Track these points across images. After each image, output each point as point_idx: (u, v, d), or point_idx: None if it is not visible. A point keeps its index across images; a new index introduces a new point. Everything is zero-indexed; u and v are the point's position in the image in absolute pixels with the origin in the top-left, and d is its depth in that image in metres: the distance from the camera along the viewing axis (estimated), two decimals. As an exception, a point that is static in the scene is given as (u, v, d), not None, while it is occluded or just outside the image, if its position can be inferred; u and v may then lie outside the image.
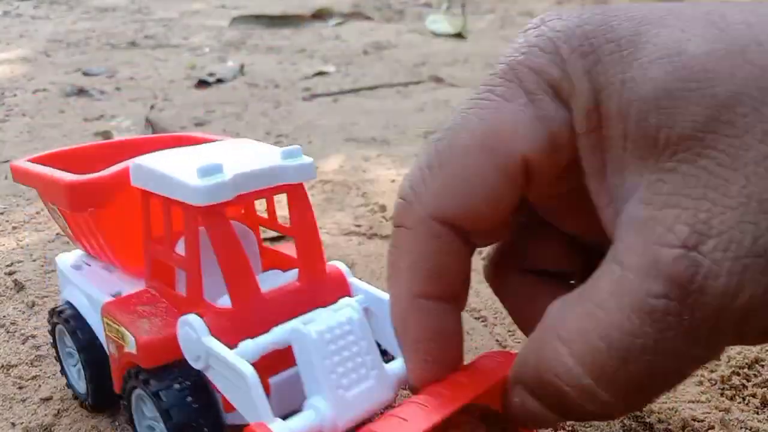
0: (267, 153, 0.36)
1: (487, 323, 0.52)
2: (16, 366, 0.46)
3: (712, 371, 0.46)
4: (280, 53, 1.63)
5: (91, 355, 0.39)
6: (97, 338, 0.39)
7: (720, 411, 0.42)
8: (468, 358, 0.47)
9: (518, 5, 2.55)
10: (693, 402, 0.43)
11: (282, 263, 0.41)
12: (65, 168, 0.39)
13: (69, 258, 0.44)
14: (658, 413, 0.42)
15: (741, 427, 0.41)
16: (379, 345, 0.33)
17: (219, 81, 1.31)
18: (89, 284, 0.40)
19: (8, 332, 0.49)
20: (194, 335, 0.32)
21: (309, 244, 0.37)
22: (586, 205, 0.26)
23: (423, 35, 1.93)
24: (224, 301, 0.34)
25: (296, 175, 0.36)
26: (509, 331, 0.51)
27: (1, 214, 0.70)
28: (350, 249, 0.63)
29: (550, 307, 0.25)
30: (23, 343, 0.48)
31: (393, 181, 0.81)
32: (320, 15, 2.18)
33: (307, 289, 0.35)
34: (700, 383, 0.45)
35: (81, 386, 0.41)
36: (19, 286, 0.55)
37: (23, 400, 0.42)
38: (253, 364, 0.30)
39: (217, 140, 0.43)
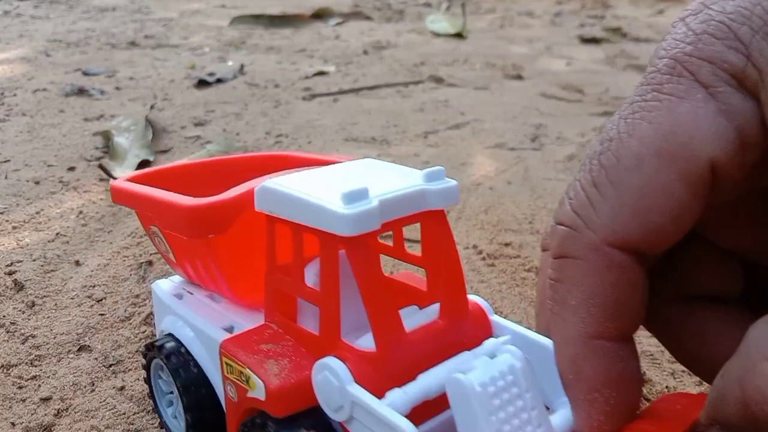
0: (408, 175, 0.32)
1: (487, 323, 0.52)
2: (16, 366, 0.46)
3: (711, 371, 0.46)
4: (280, 53, 1.63)
5: (197, 396, 0.35)
6: (204, 377, 0.35)
7: (720, 411, 0.42)
8: (468, 358, 0.47)
9: (518, 5, 2.55)
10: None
11: (410, 297, 0.36)
12: (167, 188, 0.36)
13: (167, 285, 0.40)
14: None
15: (741, 428, 0.41)
16: None
17: (219, 81, 1.31)
18: (196, 316, 0.36)
19: (8, 332, 0.49)
20: (336, 383, 0.27)
21: (451, 276, 0.32)
22: (757, 212, 0.23)
23: (423, 35, 1.92)
24: (361, 342, 0.29)
25: (442, 200, 0.31)
26: (509, 331, 0.51)
27: (1, 213, 0.70)
28: (350, 249, 0.63)
29: (751, 329, 0.21)
30: (23, 343, 0.48)
31: (393, 181, 0.81)
32: (320, 15, 2.18)
33: (450, 329, 0.31)
34: (701, 383, 0.45)
35: (177, 427, 0.37)
36: (19, 286, 0.55)
37: (23, 400, 0.42)
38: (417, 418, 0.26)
39: (320, 159, 0.40)
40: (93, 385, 0.44)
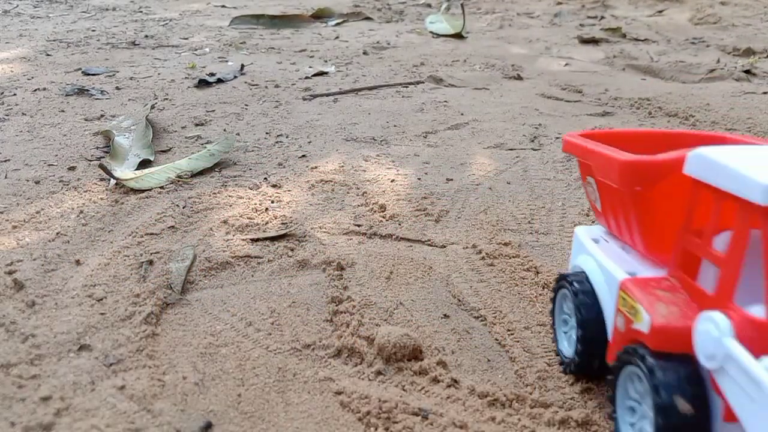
0: None
1: (486, 322, 0.52)
2: (16, 365, 0.46)
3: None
4: (280, 53, 1.63)
5: (591, 326, 0.41)
6: (600, 316, 0.40)
7: (719, 410, 0.42)
8: (466, 356, 0.48)
9: (518, 5, 2.55)
10: (692, 402, 0.43)
11: None
12: (614, 146, 0.41)
13: (589, 231, 0.46)
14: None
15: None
16: None
17: (219, 81, 1.31)
18: (606, 258, 0.41)
19: (8, 331, 0.49)
20: (716, 333, 0.31)
21: None
22: None
23: (423, 35, 1.93)
24: (754, 310, 0.31)
25: None
26: (508, 330, 0.51)
27: (1, 213, 0.70)
28: (350, 248, 0.64)
29: None
30: (23, 342, 0.48)
31: (392, 180, 0.81)
32: (320, 15, 2.18)
33: None
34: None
35: (568, 351, 0.44)
36: (19, 285, 0.55)
37: (23, 399, 0.42)
38: None
39: (757, 141, 0.43)
40: (93, 384, 0.44)
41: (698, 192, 0.35)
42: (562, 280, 0.45)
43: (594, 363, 0.42)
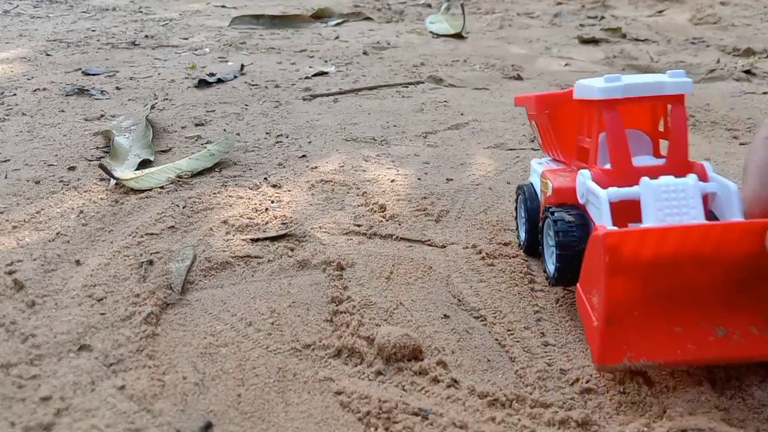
0: (658, 77, 0.50)
1: (486, 322, 0.52)
2: (16, 365, 0.46)
3: (710, 371, 0.46)
4: (280, 53, 1.63)
5: (533, 213, 0.59)
6: (537, 200, 0.59)
7: (720, 410, 0.42)
8: (466, 356, 0.48)
9: (518, 5, 2.55)
10: (693, 402, 0.43)
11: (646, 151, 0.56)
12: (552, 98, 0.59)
13: (537, 160, 0.63)
14: (660, 413, 0.42)
15: (740, 427, 0.41)
16: (714, 215, 0.47)
17: (219, 81, 1.31)
18: (540, 166, 0.60)
19: (8, 331, 0.49)
20: (582, 180, 0.49)
21: (678, 141, 0.49)
22: None
23: (422, 35, 1.93)
24: (604, 165, 0.50)
25: (676, 88, 0.49)
26: (508, 330, 0.51)
27: (1, 213, 0.70)
28: (350, 248, 0.64)
29: None
30: (23, 342, 0.48)
31: (393, 180, 0.81)
32: (320, 15, 2.18)
33: (669, 169, 0.48)
34: (700, 383, 0.45)
35: (522, 235, 0.62)
36: (19, 286, 0.55)
37: (23, 400, 0.42)
38: (616, 211, 0.45)
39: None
40: (93, 384, 0.44)
41: (582, 108, 0.53)
42: (519, 189, 0.63)
43: (536, 231, 0.59)
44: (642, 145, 0.53)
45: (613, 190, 0.46)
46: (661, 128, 0.54)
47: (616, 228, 0.42)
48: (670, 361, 0.41)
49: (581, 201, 0.50)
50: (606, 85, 0.48)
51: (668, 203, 0.44)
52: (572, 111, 0.55)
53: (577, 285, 0.45)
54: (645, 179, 0.45)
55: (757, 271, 0.42)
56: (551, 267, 0.53)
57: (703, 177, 0.47)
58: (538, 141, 0.64)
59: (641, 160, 0.50)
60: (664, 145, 0.52)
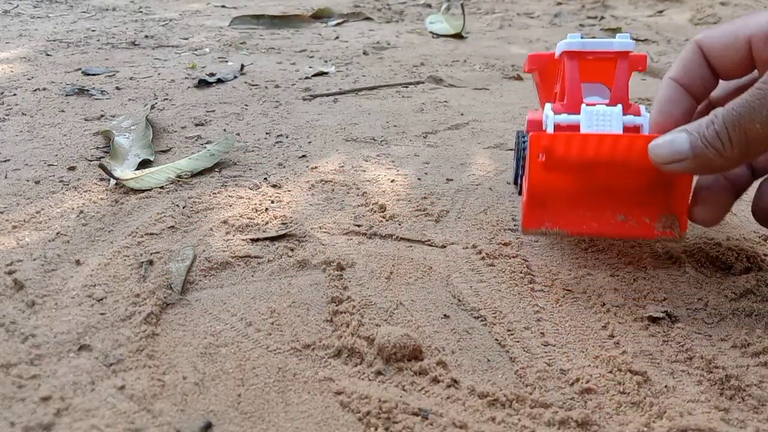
0: (608, 39, 0.62)
1: (486, 322, 0.52)
2: (16, 365, 0.46)
3: (710, 371, 0.46)
4: (280, 53, 1.63)
5: (519, 153, 0.73)
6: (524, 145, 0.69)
7: (720, 410, 0.42)
8: (466, 356, 0.48)
9: (518, 5, 2.55)
10: (693, 401, 0.43)
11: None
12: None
13: (533, 110, 0.72)
14: (661, 414, 0.42)
15: (740, 427, 0.41)
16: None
17: (219, 81, 1.31)
18: (531, 113, 0.68)
19: (8, 331, 0.49)
20: (546, 111, 0.60)
21: (619, 87, 0.60)
22: None
23: (422, 36, 1.93)
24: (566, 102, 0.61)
25: (621, 47, 0.61)
26: (508, 330, 0.51)
27: (1, 213, 0.70)
28: (350, 248, 0.64)
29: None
30: (23, 342, 0.48)
31: (392, 181, 0.81)
32: (320, 15, 2.18)
33: (610, 105, 0.59)
34: (700, 383, 0.45)
35: (513, 173, 0.78)
36: (19, 285, 0.55)
37: (22, 399, 0.42)
38: (558, 130, 0.58)
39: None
40: (93, 384, 0.44)
41: (562, 64, 0.64)
42: (518, 134, 0.74)
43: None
44: (603, 95, 0.64)
45: (561, 115, 0.59)
46: None
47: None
48: (575, 232, 0.57)
49: (545, 128, 0.60)
50: (568, 40, 0.62)
51: (597, 124, 0.57)
52: (555, 67, 0.68)
53: (523, 177, 0.61)
54: (584, 106, 0.58)
55: (658, 177, 0.55)
56: (519, 179, 0.71)
57: (636, 114, 0.58)
58: (539, 97, 0.77)
59: (592, 100, 0.61)
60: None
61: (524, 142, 0.69)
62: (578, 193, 0.57)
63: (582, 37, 0.62)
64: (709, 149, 0.47)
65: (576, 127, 0.57)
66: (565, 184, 0.57)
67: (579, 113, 0.58)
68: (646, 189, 0.56)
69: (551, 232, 0.56)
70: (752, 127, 0.45)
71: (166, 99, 1.18)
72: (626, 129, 0.56)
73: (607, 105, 0.58)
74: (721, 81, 0.54)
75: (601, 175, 0.56)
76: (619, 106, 0.57)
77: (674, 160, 0.49)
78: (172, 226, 0.67)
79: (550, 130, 0.58)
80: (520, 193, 0.74)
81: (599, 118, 0.57)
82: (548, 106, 0.61)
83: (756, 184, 0.55)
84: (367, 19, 2.21)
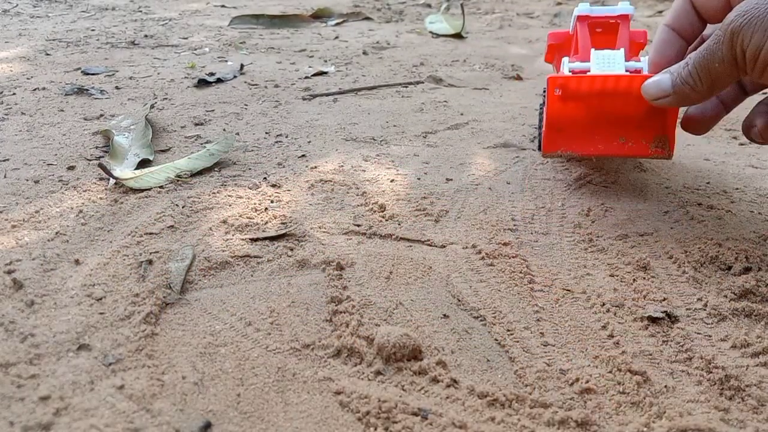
0: (613, 6, 0.75)
1: (485, 322, 0.52)
2: (15, 365, 0.46)
3: (710, 372, 0.46)
4: (279, 53, 1.63)
5: (541, 116, 0.81)
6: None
7: (719, 411, 0.42)
8: (466, 356, 0.48)
9: (518, 5, 2.55)
10: (692, 402, 0.43)
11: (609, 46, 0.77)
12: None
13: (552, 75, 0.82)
14: (661, 413, 0.42)
15: (740, 427, 0.41)
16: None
17: (219, 81, 1.31)
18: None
19: (7, 330, 0.49)
20: (563, 65, 0.72)
21: (622, 39, 0.73)
22: None
23: (422, 35, 1.92)
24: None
25: (621, 11, 0.74)
26: (508, 330, 0.51)
27: (0, 212, 0.70)
28: (349, 248, 0.64)
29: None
30: (22, 342, 0.48)
31: (392, 180, 0.81)
32: (320, 15, 2.18)
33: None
34: (699, 383, 0.45)
35: (539, 132, 0.84)
36: (18, 285, 0.55)
37: (21, 399, 0.42)
38: (572, 73, 0.70)
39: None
40: (92, 383, 0.44)
41: (576, 32, 0.76)
42: (541, 105, 0.83)
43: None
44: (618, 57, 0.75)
45: (575, 62, 0.71)
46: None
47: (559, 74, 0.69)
48: (585, 153, 0.71)
49: (561, 73, 0.71)
50: (579, 7, 0.75)
51: (604, 66, 0.68)
52: (569, 43, 0.81)
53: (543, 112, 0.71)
54: (593, 50, 0.69)
55: (652, 105, 0.64)
56: (539, 130, 0.78)
57: (636, 59, 0.70)
58: (555, 67, 0.88)
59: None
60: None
61: (544, 97, 0.78)
62: (587, 121, 0.70)
63: (590, 5, 0.75)
64: (685, 86, 0.58)
65: (587, 71, 0.69)
66: (577, 115, 0.70)
67: (589, 61, 0.70)
68: (644, 115, 0.69)
69: (566, 155, 0.71)
70: (713, 66, 0.55)
71: (166, 98, 1.18)
72: (628, 71, 0.67)
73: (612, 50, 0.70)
74: (708, 24, 0.65)
75: (606, 106, 0.69)
76: (622, 49, 0.69)
77: (660, 96, 0.61)
78: (172, 226, 0.67)
79: (566, 73, 0.70)
80: (539, 149, 0.83)
81: (605, 59, 0.69)
82: (565, 59, 0.73)
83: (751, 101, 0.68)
84: (367, 18, 2.21)
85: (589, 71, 0.69)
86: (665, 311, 0.53)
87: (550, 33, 0.84)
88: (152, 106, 1.08)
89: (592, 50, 0.70)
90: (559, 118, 0.70)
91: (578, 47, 0.73)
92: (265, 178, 0.81)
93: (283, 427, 0.41)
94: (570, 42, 0.81)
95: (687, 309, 0.54)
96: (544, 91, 0.79)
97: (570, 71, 0.70)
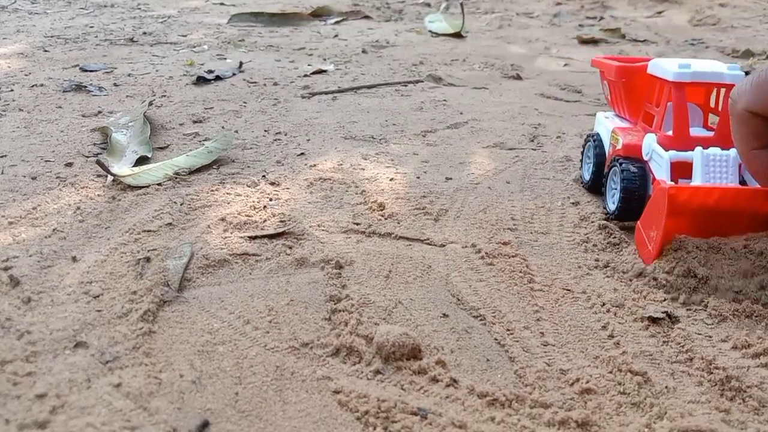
0: (719, 66, 0.65)
1: (485, 322, 0.52)
2: (11, 362, 0.45)
3: (711, 372, 0.46)
4: (279, 51, 1.63)
5: (599, 158, 0.75)
6: (603, 148, 0.75)
7: (720, 412, 0.42)
8: (465, 356, 0.47)
9: (517, 5, 2.55)
10: (693, 402, 0.43)
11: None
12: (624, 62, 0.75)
13: (603, 113, 0.80)
14: (661, 414, 0.42)
15: (741, 428, 0.40)
16: (744, 180, 0.62)
17: (218, 78, 1.31)
18: (608, 122, 0.76)
19: (3, 328, 0.49)
20: (649, 142, 0.65)
21: (725, 119, 0.63)
22: None
23: (422, 34, 1.92)
24: (667, 132, 0.65)
25: (732, 79, 0.64)
26: (507, 330, 0.51)
27: (-3, 209, 0.69)
28: (348, 247, 0.63)
29: None
30: (18, 339, 0.48)
31: (391, 179, 0.80)
32: (319, 13, 2.17)
33: (716, 140, 0.64)
34: (700, 384, 0.45)
35: (587, 173, 0.78)
36: (15, 282, 0.55)
37: (18, 397, 0.42)
38: (672, 169, 0.62)
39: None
40: (89, 381, 0.44)
41: (654, 82, 0.69)
42: (588, 137, 0.79)
43: (600, 174, 0.74)
44: (694, 116, 0.69)
45: (673, 152, 0.62)
46: (711, 104, 0.71)
47: (673, 183, 0.60)
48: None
49: (645, 157, 0.65)
50: (679, 71, 0.64)
51: (713, 169, 0.60)
52: (643, 82, 0.71)
53: (638, 222, 0.62)
54: (699, 148, 0.61)
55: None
56: (612, 206, 0.69)
57: None
58: (606, 97, 0.81)
59: (695, 131, 0.66)
60: (712, 119, 0.71)
61: (596, 144, 0.76)
62: (704, 230, 0.59)
63: (689, 66, 0.63)
64: None
65: (686, 165, 0.61)
66: (686, 231, 0.59)
67: (689, 149, 0.62)
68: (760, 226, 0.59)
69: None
70: None
71: (164, 96, 1.17)
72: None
73: (716, 141, 0.64)
74: None
75: (720, 220, 0.58)
76: (734, 150, 0.59)
77: None
78: (170, 223, 0.67)
79: (661, 166, 0.62)
80: (588, 188, 0.78)
81: (715, 162, 0.60)
82: (651, 137, 0.65)
83: None
84: (366, 17, 2.21)
85: (690, 166, 0.61)
86: (665, 311, 0.52)
87: (617, 68, 0.74)
88: (150, 104, 1.08)
89: (699, 148, 0.61)
90: (674, 231, 0.58)
91: (662, 120, 0.65)
92: (263, 176, 0.81)
93: (282, 426, 0.41)
94: (641, 80, 0.71)
95: (687, 309, 0.53)
96: (593, 140, 0.76)
97: (670, 162, 0.61)
